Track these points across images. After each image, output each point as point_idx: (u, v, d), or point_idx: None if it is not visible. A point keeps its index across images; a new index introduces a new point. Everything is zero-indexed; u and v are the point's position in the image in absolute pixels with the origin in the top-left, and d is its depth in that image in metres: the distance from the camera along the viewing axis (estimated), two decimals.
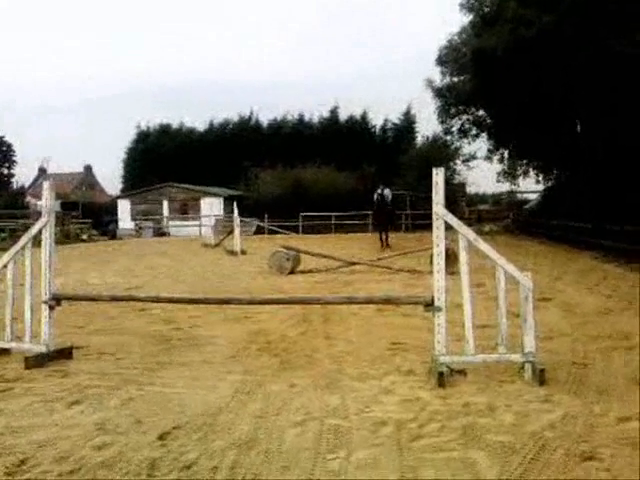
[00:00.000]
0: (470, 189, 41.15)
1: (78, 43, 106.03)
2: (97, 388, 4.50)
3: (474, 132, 28.78)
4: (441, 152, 34.38)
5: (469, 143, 30.54)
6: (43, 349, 5.31)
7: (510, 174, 30.05)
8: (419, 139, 44.15)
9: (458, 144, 32.05)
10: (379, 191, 18.46)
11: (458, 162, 35.57)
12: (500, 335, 4.53)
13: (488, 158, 29.65)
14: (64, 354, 5.45)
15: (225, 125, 49.86)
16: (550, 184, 28.60)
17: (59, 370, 5.04)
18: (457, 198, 37.41)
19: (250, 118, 49.58)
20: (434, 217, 4.68)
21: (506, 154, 28.73)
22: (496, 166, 29.72)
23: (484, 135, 28.70)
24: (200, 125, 50.30)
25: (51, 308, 5.44)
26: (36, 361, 5.15)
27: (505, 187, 33.92)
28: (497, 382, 4.39)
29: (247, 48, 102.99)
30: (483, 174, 54.43)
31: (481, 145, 30.43)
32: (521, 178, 30.14)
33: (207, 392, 4.34)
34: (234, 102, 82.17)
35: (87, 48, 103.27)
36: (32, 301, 5.42)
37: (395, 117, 47.62)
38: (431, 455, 3.16)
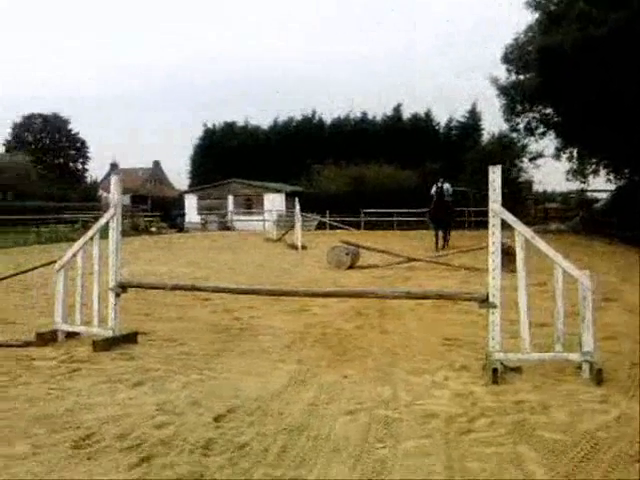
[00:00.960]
0: (537, 187, 40.14)
1: (154, 40, 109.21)
2: (159, 371, 4.71)
3: (541, 130, 28.05)
4: (507, 150, 33.69)
5: (536, 141, 29.83)
6: (110, 333, 5.59)
7: (579, 172, 29.15)
8: (485, 136, 43.35)
9: (525, 142, 31.31)
10: (438, 184, 16.90)
11: (525, 160, 34.74)
12: (556, 333, 4.46)
13: (556, 156, 28.88)
14: (130, 339, 5.71)
15: (289, 123, 50.51)
16: (622, 183, 27.53)
17: (124, 354, 5.29)
18: (524, 196, 36.58)
19: (313, 116, 50.03)
20: (490, 214, 4.65)
21: (575, 152, 27.87)
22: (565, 164, 28.91)
23: (551, 133, 27.93)
24: (264, 123, 51.19)
25: (117, 295, 5.72)
26: (103, 344, 5.42)
27: (575, 186, 32.92)
28: (553, 381, 4.33)
29: (311, 45, 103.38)
30: (552, 172, 52.92)
31: (548, 143, 29.67)
32: (591, 177, 29.21)
33: (262, 379, 4.47)
34: (299, 100, 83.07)
35: (157, 46, 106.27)
36: (100, 288, 5.71)
37: (460, 115, 46.97)
38: (479, 449, 3.16)
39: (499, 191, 4.62)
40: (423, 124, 47.01)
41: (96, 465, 2.98)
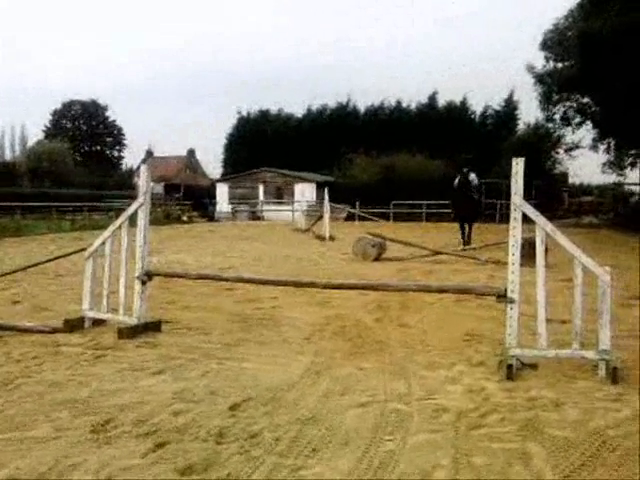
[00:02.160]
0: (573, 180, 39.40)
1: (190, 26, 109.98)
2: (180, 360, 4.83)
3: (578, 120, 27.48)
4: (543, 140, 33.11)
5: (573, 131, 29.24)
6: (135, 321, 5.74)
7: (617, 165, 28.53)
8: (520, 126, 42.67)
9: (561, 132, 30.74)
10: (464, 173, 14.98)
11: (560, 151, 34.09)
12: (574, 330, 4.44)
13: (593, 147, 28.29)
14: (154, 327, 5.85)
15: (322, 111, 50.43)
16: None
17: (148, 342, 5.43)
18: (559, 189, 35.95)
19: (347, 104, 49.85)
20: (512, 207, 4.63)
21: (612, 144, 27.25)
22: (602, 156, 28.29)
23: (588, 123, 27.34)
24: (298, 111, 51.25)
25: (143, 283, 5.86)
26: (128, 332, 5.57)
27: (611, 178, 32.24)
28: (568, 378, 4.31)
29: (343, 32, 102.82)
30: (587, 164, 51.87)
31: (585, 134, 29.05)
32: (628, 169, 28.54)
33: (279, 369, 4.56)
34: (333, 89, 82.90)
35: (193, 33, 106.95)
36: (127, 276, 5.86)
37: (496, 103, 46.27)
38: (487, 444, 3.19)
39: (521, 183, 4.59)
40: (458, 113, 46.45)
41: (112, 449, 3.10)
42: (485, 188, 32.75)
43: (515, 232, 4.62)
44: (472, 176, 15.09)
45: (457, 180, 15.14)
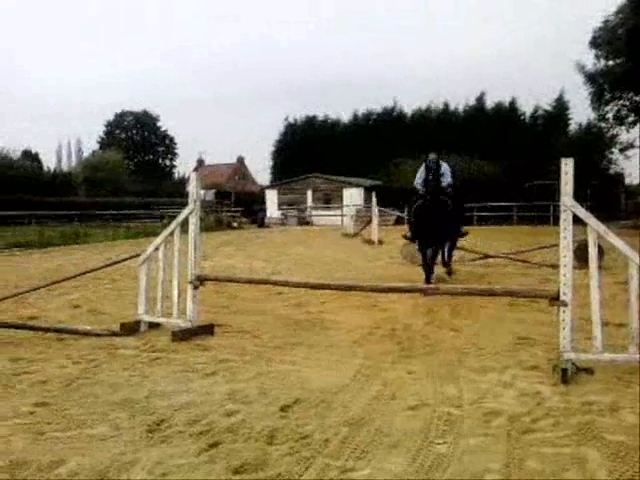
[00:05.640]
0: (630, 180, 38.11)
1: (236, 34, 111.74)
2: (232, 362, 4.93)
3: (632, 119, 26.59)
4: (596, 140, 32.20)
5: (627, 130, 28.27)
6: (188, 325, 5.88)
7: None
8: (572, 126, 41.56)
9: (614, 131, 29.78)
10: (431, 163, 9.07)
11: (615, 151, 33.03)
12: (631, 334, 4.32)
13: None
14: (206, 330, 5.98)
15: (368, 116, 50.36)
16: None
17: (201, 344, 5.56)
18: (614, 189, 34.86)
19: (394, 108, 49.65)
20: (561, 208, 4.55)
21: None
22: None
23: None
24: (345, 117, 51.33)
25: (195, 288, 5.99)
26: (181, 335, 5.72)
27: None
28: (625, 382, 4.19)
29: (387, 35, 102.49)
30: None
31: None
32: None
33: (329, 372, 4.59)
34: (380, 93, 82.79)
35: (240, 42, 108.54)
36: (180, 281, 6.01)
37: (546, 103, 45.18)
38: (540, 449, 3.14)
39: (571, 184, 4.51)
40: (507, 114, 45.58)
41: (167, 448, 3.20)
42: (537, 189, 32.08)
43: (566, 234, 4.53)
44: (444, 167, 9.36)
45: (419, 174, 9.49)
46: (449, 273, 9.95)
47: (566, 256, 4.50)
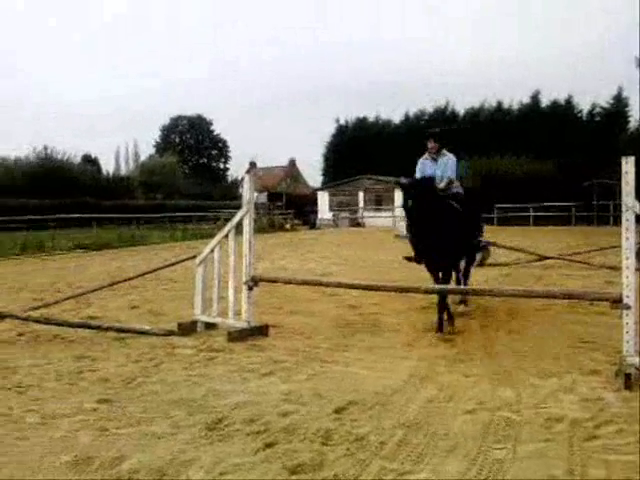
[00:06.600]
0: None
1: (288, 35, 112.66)
2: (287, 363, 4.97)
3: None
4: None
5: None
6: (244, 325, 5.96)
7: None
8: (631, 123, 40.06)
9: None
10: (424, 159, 7.26)
11: None
12: None
13: None
14: (262, 331, 6.05)
15: (420, 116, 49.88)
16: None
17: (256, 345, 5.63)
18: None
19: (446, 108, 49.02)
20: (623, 208, 4.39)
21: None
22: None
23: None
24: (396, 117, 51.03)
25: (250, 289, 6.07)
26: (237, 335, 5.80)
27: None
28: None
29: (436, 36, 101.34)
30: None
31: None
32: None
33: (383, 374, 4.57)
34: (433, 93, 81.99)
35: (292, 43, 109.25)
36: (235, 282, 6.09)
37: (604, 101, 43.67)
38: (603, 456, 3.04)
39: (633, 184, 4.36)
40: (563, 112, 44.32)
41: (225, 447, 3.25)
42: (596, 188, 31.06)
43: (628, 235, 4.38)
44: (447, 159, 7.09)
45: (418, 168, 7.37)
46: (461, 302, 7.21)
47: (629, 258, 4.35)
